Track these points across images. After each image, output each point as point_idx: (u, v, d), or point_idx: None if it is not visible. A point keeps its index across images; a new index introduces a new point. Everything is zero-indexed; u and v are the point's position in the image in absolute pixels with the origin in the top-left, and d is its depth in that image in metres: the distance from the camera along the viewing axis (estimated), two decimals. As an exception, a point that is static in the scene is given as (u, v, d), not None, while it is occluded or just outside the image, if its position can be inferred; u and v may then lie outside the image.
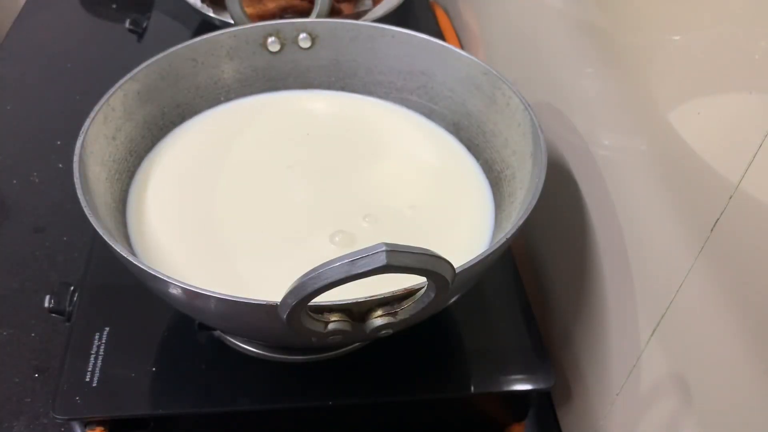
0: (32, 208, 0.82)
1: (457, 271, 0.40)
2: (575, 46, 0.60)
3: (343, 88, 0.71)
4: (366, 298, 0.41)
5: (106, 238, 0.45)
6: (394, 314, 0.42)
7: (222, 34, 0.66)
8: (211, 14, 0.93)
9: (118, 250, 0.44)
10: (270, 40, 0.68)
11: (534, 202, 0.49)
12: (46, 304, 0.60)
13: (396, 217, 0.59)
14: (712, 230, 0.40)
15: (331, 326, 0.41)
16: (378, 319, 0.42)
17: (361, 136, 0.67)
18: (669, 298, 0.46)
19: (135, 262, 0.44)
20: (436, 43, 0.66)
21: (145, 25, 1.01)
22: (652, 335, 0.49)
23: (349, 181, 0.63)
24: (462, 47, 0.97)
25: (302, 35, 0.69)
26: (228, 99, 0.69)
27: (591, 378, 0.60)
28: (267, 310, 0.41)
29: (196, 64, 0.65)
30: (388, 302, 0.42)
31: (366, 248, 0.34)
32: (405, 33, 0.66)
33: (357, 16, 0.95)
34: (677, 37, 0.44)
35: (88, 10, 1.13)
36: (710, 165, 0.40)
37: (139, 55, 0.64)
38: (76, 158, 0.51)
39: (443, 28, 1.04)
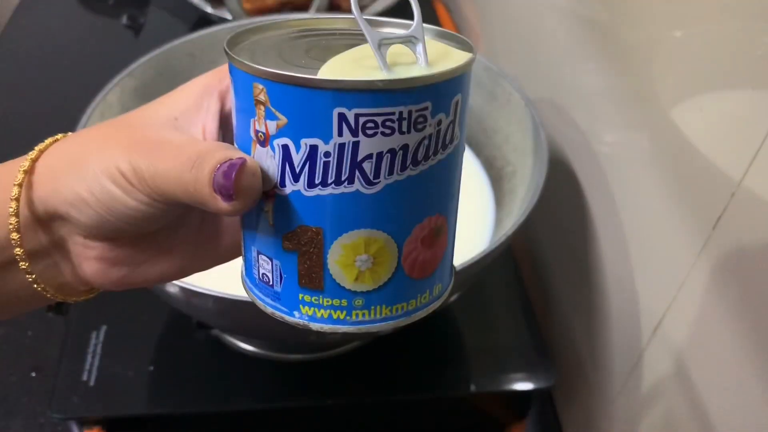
0: (29, 206, 0.81)
1: (457, 269, 0.39)
2: (576, 41, 0.59)
3: (341, 85, 0.71)
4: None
5: (102, 236, 0.44)
6: (393, 312, 0.42)
7: (220, 29, 0.65)
8: (209, 10, 0.92)
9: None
10: (268, 35, 0.68)
11: (535, 200, 0.49)
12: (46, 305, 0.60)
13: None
14: (714, 228, 0.40)
15: (330, 325, 0.41)
16: (377, 318, 0.41)
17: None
18: (671, 295, 0.45)
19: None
20: (435, 38, 0.65)
21: (142, 20, 1.00)
22: (653, 333, 0.48)
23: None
24: (461, 43, 0.96)
25: (301, 31, 0.68)
26: (226, 95, 0.69)
27: (592, 376, 0.59)
28: (265, 308, 0.40)
29: (194, 60, 0.65)
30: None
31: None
32: (404, 29, 0.65)
33: (356, 11, 0.94)
34: (679, 33, 0.44)
35: (84, 6, 1.12)
36: (712, 162, 0.40)
37: (136, 50, 0.64)
38: (72, 155, 0.50)
39: (443, 23, 1.04)
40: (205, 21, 0.93)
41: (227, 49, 0.24)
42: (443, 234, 0.26)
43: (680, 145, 0.43)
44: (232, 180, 0.22)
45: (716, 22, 0.40)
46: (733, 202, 0.38)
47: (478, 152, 0.65)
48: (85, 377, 0.55)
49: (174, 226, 0.28)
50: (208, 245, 0.29)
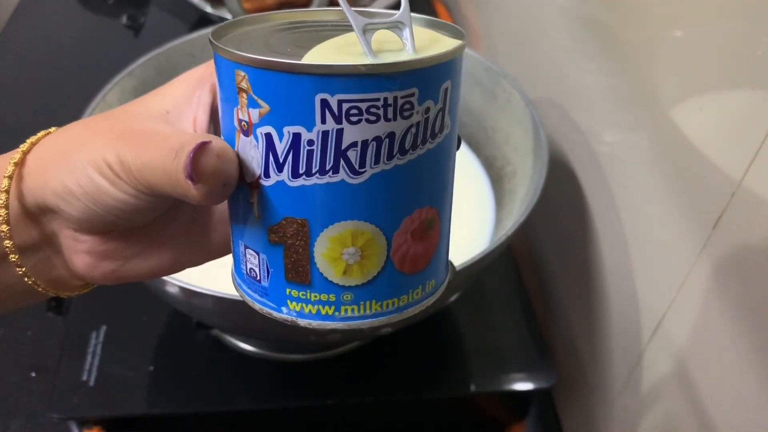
0: (29, 206, 0.81)
1: (457, 269, 0.39)
2: (577, 41, 0.59)
3: (341, 85, 0.71)
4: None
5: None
6: (393, 313, 0.42)
7: (219, 29, 0.65)
8: (209, 9, 0.92)
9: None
10: (268, 35, 0.68)
11: (535, 199, 0.49)
12: (46, 305, 0.60)
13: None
14: (714, 228, 0.40)
15: (330, 325, 0.41)
16: (377, 318, 0.41)
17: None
18: (671, 295, 0.45)
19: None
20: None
21: (142, 20, 1.00)
22: (653, 334, 0.48)
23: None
24: (461, 43, 0.96)
25: (300, 31, 0.68)
26: (226, 95, 0.69)
27: (592, 376, 0.59)
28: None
29: (194, 60, 0.65)
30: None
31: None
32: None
33: (356, 11, 0.94)
34: (679, 33, 0.44)
35: (84, 6, 1.12)
36: (713, 162, 0.40)
37: (135, 50, 0.64)
38: (72, 155, 0.50)
39: (442, 23, 1.04)
40: (205, 21, 0.93)
41: (211, 38, 0.23)
42: (435, 227, 0.25)
43: (680, 145, 0.43)
44: (191, 161, 0.22)
45: (716, 22, 0.40)
46: (733, 202, 0.38)
47: (478, 152, 0.64)
48: (85, 377, 0.55)
49: (165, 221, 0.27)
50: (199, 240, 0.29)
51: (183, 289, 0.43)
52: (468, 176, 0.63)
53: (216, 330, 0.58)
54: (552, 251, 0.69)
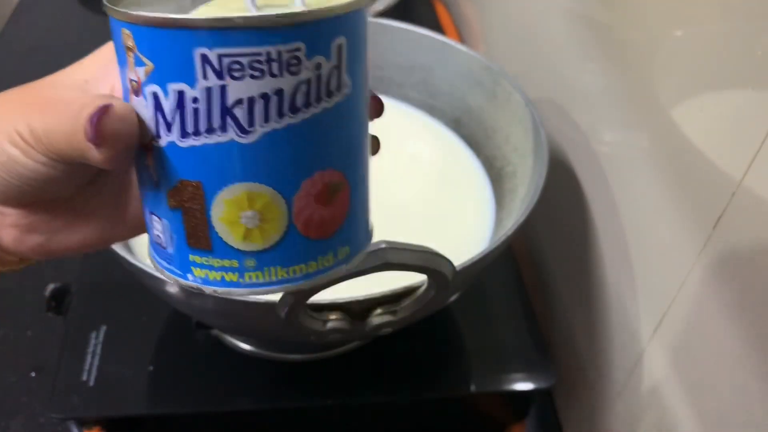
0: (29, 206, 0.81)
1: (457, 269, 0.39)
2: (577, 41, 0.59)
3: (341, 84, 0.71)
4: (366, 296, 0.40)
5: (102, 235, 0.44)
6: (394, 312, 0.42)
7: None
8: (209, 10, 0.92)
9: (115, 249, 0.44)
10: (268, 35, 0.68)
11: (535, 199, 0.49)
12: (46, 305, 0.60)
13: (396, 214, 0.59)
14: (714, 228, 0.40)
15: (330, 324, 0.41)
16: (378, 318, 0.41)
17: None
18: (671, 296, 0.45)
19: (132, 261, 0.43)
20: (436, 38, 0.65)
21: (142, 20, 1.00)
22: (654, 333, 0.48)
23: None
24: (462, 42, 0.96)
25: (301, 31, 0.68)
26: (226, 95, 0.69)
27: (592, 377, 0.59)
28: (265, 308, 0.40)
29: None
30: (388, 301, 0.41)
31: (366, 246, 0.34)
32: (405, 28, 0.65)
33: (356, 11, 0.94)
34: (679, 33, 0.44)
35: (84, 5, 1.12)
36: (713, 162, 0.40)
37: (135, 50, 0.64)
38: (72, 155, 0.50)
39: (443, 22, 1.04)
40: (205, 21, 0.93)
41: (104, 1, 0.23)
42: (343, 191, 0.24)
43: (680, 145, 0.43)
44: (94, 125, 0.22)
45: (716, 22, 0.40)
46: (734, 202, 0.38)
47: (478, 152, 0.65)
48: (84, 377, 0.55)
49: (90, 193, 0.27)
50: (125, 214, 0.28)
51: (183, 290, 0.43)
52: (468, 175, 0.63)
53: (216, 330, 0.58)
54: (552, 251, 0.69)
